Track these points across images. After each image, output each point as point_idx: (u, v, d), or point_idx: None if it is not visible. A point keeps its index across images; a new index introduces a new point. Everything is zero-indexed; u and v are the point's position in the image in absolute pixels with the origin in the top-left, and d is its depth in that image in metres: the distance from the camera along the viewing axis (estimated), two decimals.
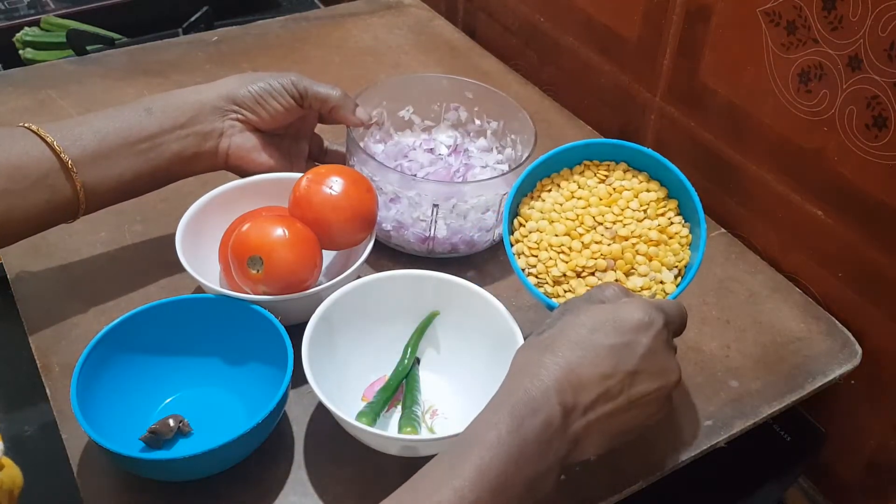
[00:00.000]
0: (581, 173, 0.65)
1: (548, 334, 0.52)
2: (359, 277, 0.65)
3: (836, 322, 0.75)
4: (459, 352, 0.66)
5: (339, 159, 0.81)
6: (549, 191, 0.64)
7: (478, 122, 0.86)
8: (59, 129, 0.64)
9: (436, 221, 0.73)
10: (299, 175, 0.68)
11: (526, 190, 0.64)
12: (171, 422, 0.59)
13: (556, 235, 0.62)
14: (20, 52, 1.17)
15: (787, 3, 0.71)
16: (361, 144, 0.76)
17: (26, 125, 0.64)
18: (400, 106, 0.86)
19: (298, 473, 0.60)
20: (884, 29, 0.64)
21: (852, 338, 0.74)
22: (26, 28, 1.19)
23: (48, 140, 0.63)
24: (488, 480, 0.45)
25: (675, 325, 0.54)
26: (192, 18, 1.22)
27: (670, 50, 0.85)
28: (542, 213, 0.63)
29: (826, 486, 0.83)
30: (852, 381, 0.76)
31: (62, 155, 0.63)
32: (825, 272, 0.77)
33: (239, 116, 0.72)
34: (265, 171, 0.73)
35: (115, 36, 1.19)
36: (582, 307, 0.53)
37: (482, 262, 0.77)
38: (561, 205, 0.63)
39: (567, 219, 0.62)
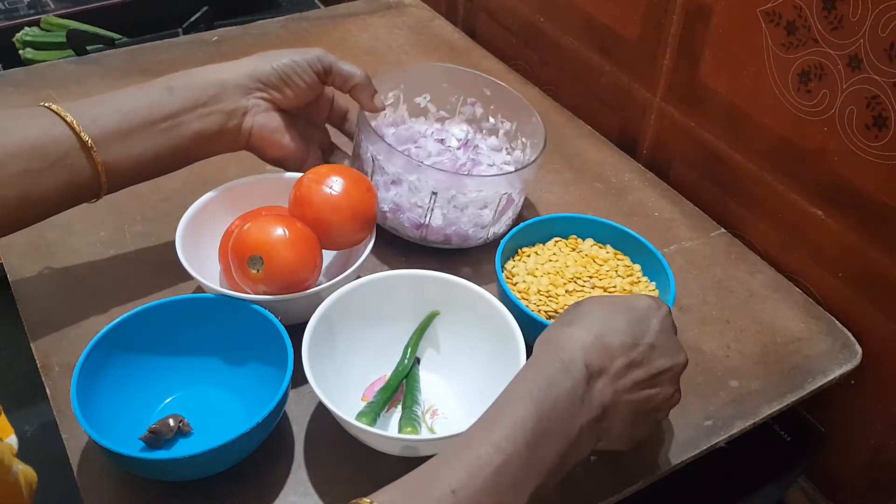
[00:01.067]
0: (555, 243, 0.74)
1: (567, 318, 0.55)
2: (359, 277, 0.65)
3: (836, 322, 0.75)
4: (459, 352, 0.66)
5: (340, 159, 0.81)
6: (530, 256, 0.73)
7: (492, 120, 0.86)
8: (78, 108, 0.63)
9: (432, 209, 0.73)
10: (299, 175, 0.68)
11: (509, 255, 0.72)
12: (171, 422, 0.59)
13: (542, 285, 0.69)
14: (20, 52, 1.17)
15: (787, 3, 0.71)
16: (373, 124, 0.76)
17: (46, 104, 0.63)
18: (417, 92, 0.86)
19: (298, 473, 0.60)
20: (884, 29, 0.64)
21: (852, 338, 0.74)
22: (26, 28, 1.19)
23: (67, 119, 0.62)
24: (523, 434, 0.47)
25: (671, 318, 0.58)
26: (192, 18, 1.22)
27: (670, 50, 0.85)
28: (526, 271, 0.71)
29: (826, 486, 0.83)
30: (852, 381, 0.76)
31: (82, 134, 0.62)
32: (825, 272, 0.77)
33: (265, 95, 0.71)
34: (285, 153, 0.73)
35: (115, 36, 1.19)
36: (593, 299, 0.56)
37: (480, 261, 0.77)
38: (543, 265, 0.71)
39: (548, 273, 0.70)
